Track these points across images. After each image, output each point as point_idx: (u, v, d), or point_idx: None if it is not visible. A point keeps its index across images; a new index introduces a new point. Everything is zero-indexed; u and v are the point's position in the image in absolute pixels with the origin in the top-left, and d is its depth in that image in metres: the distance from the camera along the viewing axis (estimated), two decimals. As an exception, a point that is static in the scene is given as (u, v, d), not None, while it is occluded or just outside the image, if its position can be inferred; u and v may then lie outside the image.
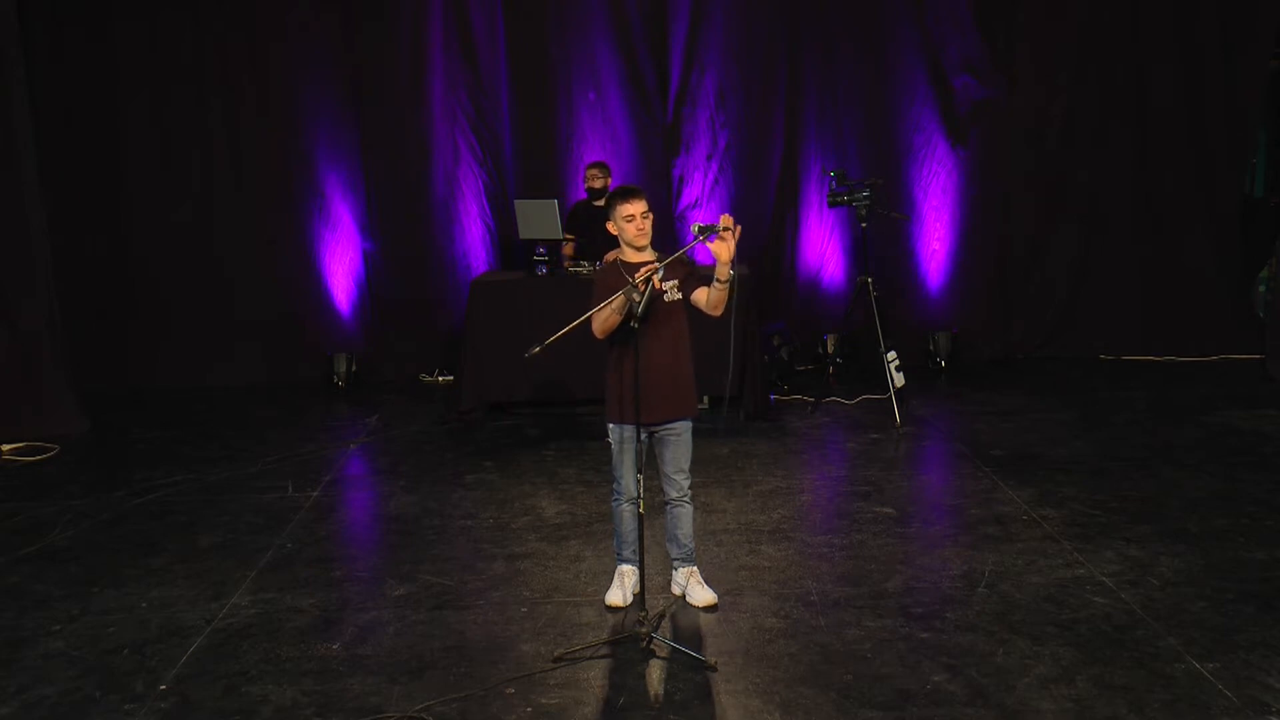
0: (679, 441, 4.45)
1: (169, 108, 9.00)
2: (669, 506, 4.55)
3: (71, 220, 8.85)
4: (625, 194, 4.43)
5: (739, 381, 7.53)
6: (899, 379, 7.39)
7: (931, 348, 9.11)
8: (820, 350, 9.06)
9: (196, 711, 3.81)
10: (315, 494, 6.20)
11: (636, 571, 4.45)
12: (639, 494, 4.36)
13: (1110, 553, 4.97)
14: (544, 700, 3.81)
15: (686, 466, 4.48)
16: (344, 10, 9.01)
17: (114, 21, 8.88)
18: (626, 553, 4.58)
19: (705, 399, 7.83)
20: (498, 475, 6.46)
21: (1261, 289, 9.21)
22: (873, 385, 7.97)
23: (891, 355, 7.39)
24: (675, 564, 4.68)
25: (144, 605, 4.70)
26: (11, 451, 7.12)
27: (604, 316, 4.27)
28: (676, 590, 4.71)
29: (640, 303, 4.13)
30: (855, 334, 8.61)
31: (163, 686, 3.98)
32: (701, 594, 4.59)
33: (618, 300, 4.18)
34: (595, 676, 3.98)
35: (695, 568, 4.66)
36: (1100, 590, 4.57)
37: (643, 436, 4.39)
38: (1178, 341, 9.12)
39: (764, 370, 7.74)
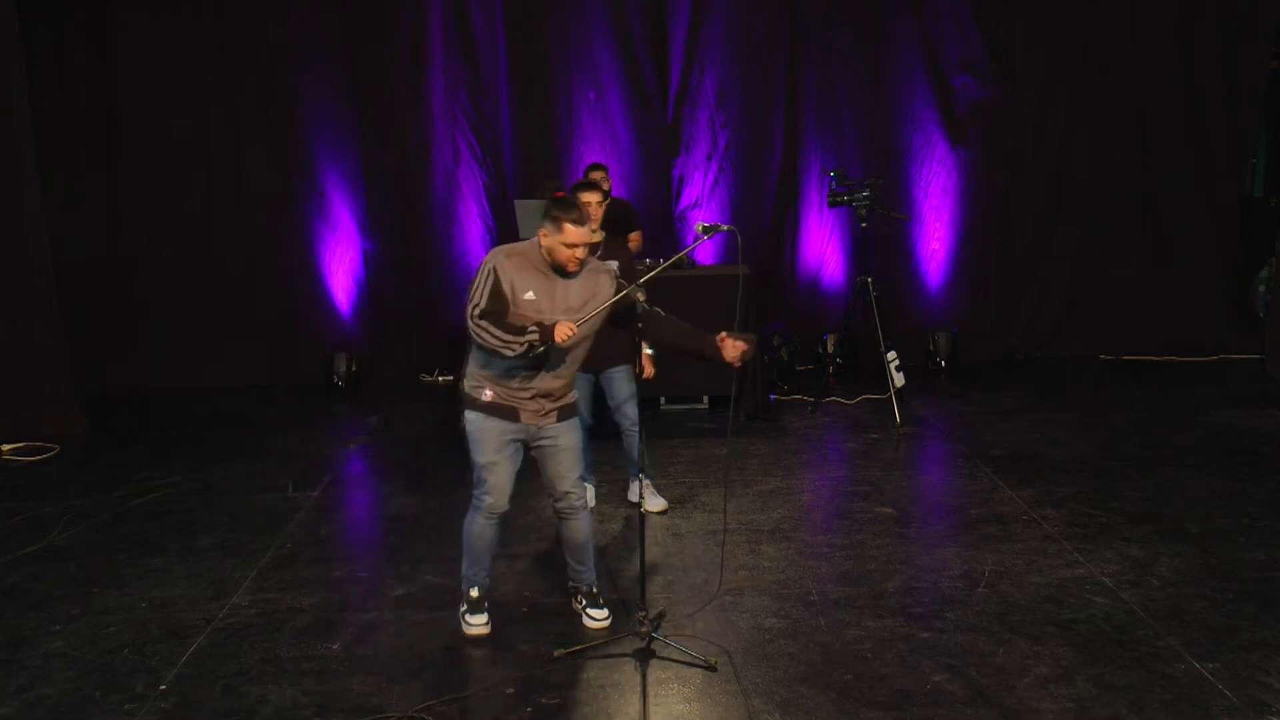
0: (620, 378, 5.43)
1: (169, 108, 9.00)
2: (624, 436, 5.58)
3: (71, 220, 8.86)
4: (582, 186, 5.43)
5: (739, 382, 7.54)
6: (899, 379, 7.39)
7: (931, 348, 9.11)
8: (820, 350, 9.06)
9: (196, 711, 3.81)
10: (315, 494, 6.20)
11: (592, 490, 5.59)
12: (588, 422, 5.40)
13: (1110, 553, 4.97)
14: (544, 700, 3.81)
15: (632, 398, 5.42)
16: (344, 10, 9.01)
17: (114, 22, 8.88)
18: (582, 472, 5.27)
19: (706, 399, 7.85)
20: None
21: (1261, 289, 9.20)
22: (873, 385, 7.97)
23: (891, 355, 7.39)
24: (632, 478, 5.80)
25: (144, 605, 4.70)
26: (11, 451, 7.12)
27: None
28: (632, 498, 5.78)
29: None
30: (855, 334, 8.62)
31: (163, 686, 3.98)
32: (654, 501, 5.66)
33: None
34: (595, 676, 3.98)
35: (648, 483, 5.63)
36: (1100, 590, 4.57)
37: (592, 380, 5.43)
38: (1178, 341, 9.12)
39: (764, 370, 7.74)
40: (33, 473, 6.78)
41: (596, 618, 4.37)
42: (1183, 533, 5.19)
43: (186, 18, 8.91)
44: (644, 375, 4.96)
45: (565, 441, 4.27)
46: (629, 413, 5.47)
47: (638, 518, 4.44)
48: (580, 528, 4.39)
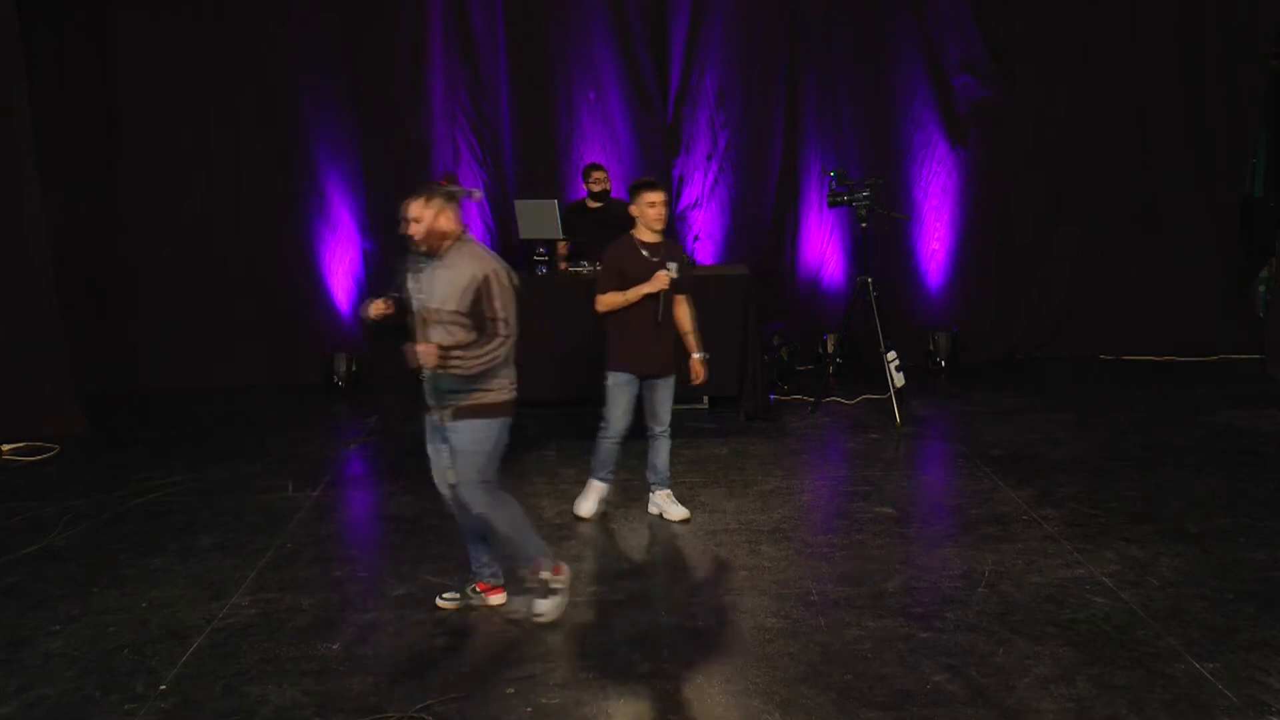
0: (666, 387, 5.41)
1: (169, 108, 9.00)
2: (651, 439, 5.52)
3: (71, 220, 8.85)
4: (647, 185, 5.33)
5: (739, 381, 7.54)
6: (899, 379, 7.39)
7: (931, 348, 9.11)
8: (820, 350, 9.06)
9: (196, 711, 3.81)
10: (315, 494, 6.20)
11: (606, 489, 5.60)
12: (624, 433, 5.42)
13: (1110, 553, 4.97)
14: (544, 700, 3.82)
15: (669, 406, 5.47)
16: (344, 10, 9.00)
17: (114, 21, 8.88)
18: (603, 474, 5.57)
19: (705, 399, 7.84)
20: (498, 475, 6.44)
21: (1261, 289, 9.21)
22: (873, 385, 7.97)
23: (891, 355, 7.39)
24: (652, 488, 5.61)
25: (144, 605, 4.70)
26: (11, 451, 7.12)
27: (622, 301, 5.23)
28: (654, 510, 5.62)
29: (660, 304, 5.24)
30: (855, 334, 8.62)
31: (163, 686, 3.98)
32: (675, 510, 5.55)
33: (648, 288, 5.20)
34: (594, 677, 3.98)
35: (669, 490, 5.61)
36: (1100, 590, 4.57)
37: (638, 383, 5.37)
38: (1178, 341, 9.12)
39: (764, 370, 7.74)
40: (33, 473, 6.78)
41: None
42: (1183, 533, 5.19)
43: (186, 18, 8.91)
44: (695, 380, 5.43)
45: (455, 441, 4.38)
46: (662, 417, 5.46)
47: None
48: (464, 523, 4.54)
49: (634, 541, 5.30)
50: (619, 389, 5.34)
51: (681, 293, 5.38)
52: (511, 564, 4.52)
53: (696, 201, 9.26)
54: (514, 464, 6.65)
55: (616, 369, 5.33)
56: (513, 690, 3.89)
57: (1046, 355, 9.36)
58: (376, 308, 4.33)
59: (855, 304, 7.93)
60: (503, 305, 4.25)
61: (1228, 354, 9.04)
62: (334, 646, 4.27)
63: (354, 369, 9.04)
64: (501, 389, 4.36)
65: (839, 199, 7.65)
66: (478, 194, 5.21)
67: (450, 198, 4.28)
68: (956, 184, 9.27)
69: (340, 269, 9.30)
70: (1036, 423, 7.29)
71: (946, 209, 9.31)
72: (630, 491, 5.96)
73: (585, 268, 7.89)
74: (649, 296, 5.22)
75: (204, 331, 9.14)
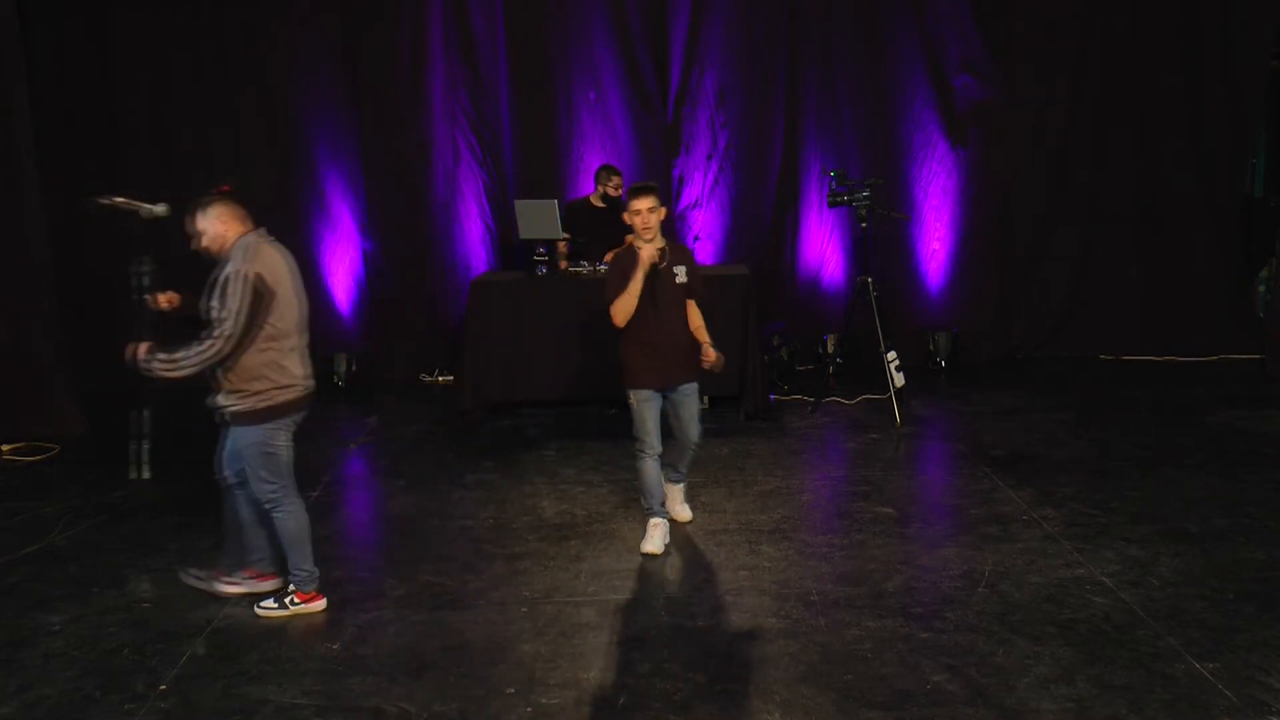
0: (691, 398, 5.21)
1: (169, 108, 9.01)
2: (681, 449, 5.33)
3: (72, 220, 8.84)
4: (634, 191, 5.08)
5: (739, 381, 7.54)
6: (899, 379, 7.39)
7: (931, 348, 9.11)
8: (820, 350, 9.06)
9: (196, 711, 3.82)
10: (315, 494, 6.19)
11: (666, 522, 5.24)
12: (660, 448, 5.15)
13: (1110, 553, 4.97)
14: (544, 700, 3.81)
15: (698, 418, 5.26)
16: (344, 10, 9.01)
17: (114, 21, 8.88)
18: (656, 506, 5.21)
19: (705, 399, 7.84)
20: (498, 475, 6.46)
21: (1261, 289, 9.21)
22: (873, 385, 7.97)
23: (891, 355, 7.39)
24: (671, 482, 5.46)
25: (144, 605, 4.71)
26: (11, 451, 7.12)
27: (627, 301, 4.96)
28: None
29: (660, 264, 4.98)
30: (855, 334, 8.62)
31: (163, 686, 3.99)
32: (680, 511, 5.52)
33: (641, 269, 4.93)
34: (595, 676, 3.98)
35: (682, 488, 5.53)
36: (1100, 590, 4.57)
37: (662, 397, 5.16)
38: (1178, 341, 9.12)
39: (764, 370, 7.74)
40: (33, 473, 6.78)
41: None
42: (1183, 533, 5.19)
43: (186, 18, 8.91)
44: (706, 361, 5.14)
45: (235, 439, 4.52)
46: (693, 433, 5.24)
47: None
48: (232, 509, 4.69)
49: (634, 541, 5.29)
50: (644, 406, 5.08)
51: (692, 297, 5.19)
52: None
53: (696, 201, 9.26)
54: (514, 464, 6.68)
55: (637, 387, 5.09)
56: (513, 690, 3.89)
57: (1046, 355, 9.37)
58: (166, 299, 4.47)
59: (855, 304, 7.93)
60: (230, 307, 4.13)
61: (1228, 354, 9.05)
62: (334, 646, 4.27)
63: (354, 369, 9.04)
64: (263, 395, 4.35)
65: (839, 199, 7.65)
66: (160, 209, 5.14)
67: (213, 203, 4.29)
68: (956, 184, 9.27)
69: (340, 269, 9.30)
70: (1036, 423, 7.29)
71: (946, 209, 9.31)
72: (630, 491, 5.96)
73: (585, 267, 7.89)
74: (646, 291, 4.97)
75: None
